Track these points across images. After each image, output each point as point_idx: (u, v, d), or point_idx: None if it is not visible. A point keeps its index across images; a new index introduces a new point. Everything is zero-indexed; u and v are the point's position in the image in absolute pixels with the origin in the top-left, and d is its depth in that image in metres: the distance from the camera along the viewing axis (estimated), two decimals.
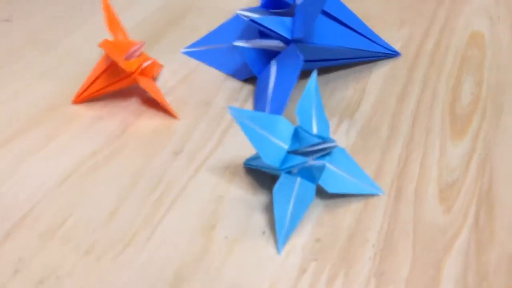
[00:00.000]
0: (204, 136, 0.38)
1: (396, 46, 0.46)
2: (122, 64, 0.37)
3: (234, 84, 0.43)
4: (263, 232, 0.30)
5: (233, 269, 0.29)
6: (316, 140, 0.30)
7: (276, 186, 0.29)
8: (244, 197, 0.33)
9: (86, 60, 0.44)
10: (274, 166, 0.29)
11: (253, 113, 0.29)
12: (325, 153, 0.31)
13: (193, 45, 0.47)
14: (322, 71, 0.43)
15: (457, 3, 0.53)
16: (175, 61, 0.46)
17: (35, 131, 0.39)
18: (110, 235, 0.31)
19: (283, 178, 0.29)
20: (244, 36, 0.42)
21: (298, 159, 0.30)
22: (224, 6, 0.54)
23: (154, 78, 0.43)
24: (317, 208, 0.32)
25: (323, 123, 0.32)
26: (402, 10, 0.51)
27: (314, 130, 0.31)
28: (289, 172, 0.30)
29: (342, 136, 0.37)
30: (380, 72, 0.43)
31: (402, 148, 0.36)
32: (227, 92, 0.42)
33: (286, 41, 0.38)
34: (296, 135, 0.30)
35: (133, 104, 0.41)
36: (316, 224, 0.31)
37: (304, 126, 0.30)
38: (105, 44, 0.37)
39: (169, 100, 0.41)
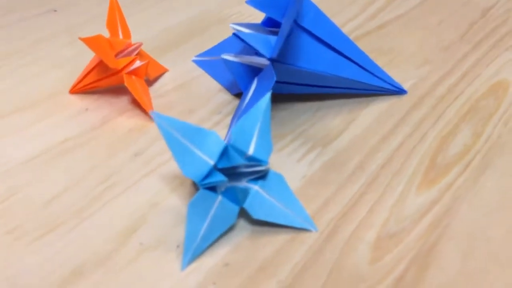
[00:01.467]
0: None
1: (407, 84, 0.43)
2: (108, 61, 0.39)
3: (225, 97, 0.43)
4: (178, 246, 0.30)
5: (131, 276, 0.28)
6: (243, 161, 0.29)
7: (192, 201, 0.28)
8: (178, 208, 0.32)
9: None
10: (193, 179, 0.29)
11: (180, 123, 0.29)
12: (257, 176, 0.30)
13: (202, 54, 0.48)
14: (318, 97, 0.42)
15: (498, 48, 0.49)
16: (182, 68, 0.47)
17: (28, 112, 0.41)
18: (39, 219, 0.32)
19: (200, 194, 0.29)
20: (243, 51, 0.42)
21: (217, 177, 0.29)
22: (251, 20, 0.54)
23: (151, 80, 0.44)
24: (240, 232, 0.30)
25: (264, 146, 0.30)
26: (433, 49, 0.48)
27: (251, 151, 0.30)
28: (212, 189, 0.29)
29: (304, 165, 0.35)
30: (377, 107, 0.41)
31: (360, 187, 0.33)
32: (214, 104, 0.42)
33: (269, 60, 0.37)
34: (226, 153, 0.29)
35: (122, 101, 0.42)
36: (232, 248, 0.30)
37: (237, 145, 0.29)
38: (91, 39, 0.38)
39: (156, 103, 0.42)
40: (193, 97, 0.43)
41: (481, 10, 0.56)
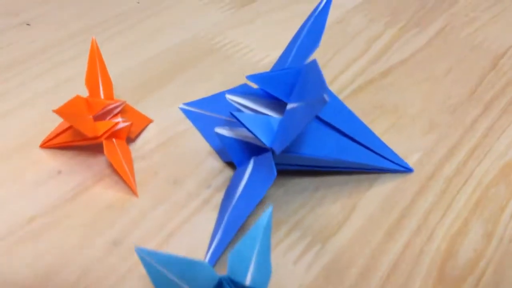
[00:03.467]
0: (153, 228, 0.34)
1: (413, 158, 0.40)
2: (85, 130, 0.34)
3: (214, 164, 0.39)
4: None
5: None
6: None
7: None
8: None
9: None
10: None
11: (167, 256, 0.25)
12: None
13: (192, 104, 0.43)
14: (317, 173, 0.38)
15: (509, 113, 0.45)
16: (167, 117, 0.43)
17: None
18: None
19: None
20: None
21: None
22: (248, 52, 0.49)
23: (133, 137, 0.40)
24: None
25: (263, 271, 0.27)
26: (440, 109, 0.45)
27: (248, 281, 0.26)
28: None
29: (302, 270, 0.32)
30: (380, 190, 0.38)
31: None
32: (203, 173, 0.38)
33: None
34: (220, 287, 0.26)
35: (99, 163, 0.38)
36: None
37: (233, 276, 0.26)
38: (67, 107, 0.33)
39: (138, 168, 0.37)
40: (179, 160, 0.39)
41: (492, 58, 0.52)
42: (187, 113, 0.43)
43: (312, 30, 0.35)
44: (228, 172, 0.38)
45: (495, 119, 0.45)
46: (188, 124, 0.42)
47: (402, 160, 0.39)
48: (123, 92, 0.44)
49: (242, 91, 0.36)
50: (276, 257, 0.33)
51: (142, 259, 0.25)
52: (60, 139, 0.37)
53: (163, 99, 0.44)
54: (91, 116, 0.35)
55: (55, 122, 0.38)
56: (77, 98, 0.35)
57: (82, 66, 0.42)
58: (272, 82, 0.33)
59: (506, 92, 0.48)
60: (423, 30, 0.56)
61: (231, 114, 0.33)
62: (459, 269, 0.33)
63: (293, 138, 0.28)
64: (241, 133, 0.35)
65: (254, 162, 0.34)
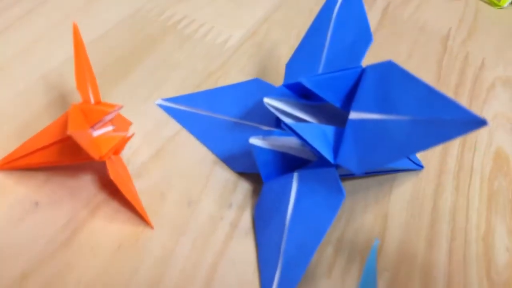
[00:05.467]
0: (186, 270, 0.27)
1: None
2: (89, 148, 0.25)
3: (224, 175, 0.33)
4: None
5: None
6: None
7: None
8: None
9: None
10: None
11: None
12: None
13: (173, 100, 0.36)
14: None
15: (476, 99, 0.46)
16: (147, 116, 0.35)
17: None
18: None
19: None
20: (252, 116, 0.32)
21: None
22: (209, 29, 0.43)
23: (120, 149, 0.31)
24: None
25: None
26: None
27: None
28: None
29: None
30: (402, 193, 0.35)
31: None
32: (217, 188, 0.32)
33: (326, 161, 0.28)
34: None
35: (84, 187, 0.29)
36: None
37: None
38: (73, 124, 0.24)
39: (139, 188, 0.30)
40: (183, 175, 0.32)
41: (440, 40, 0.52)
42: (168, 110, 0.35)
43: (346, 23, 0.30)
44: (245, 185, 0.32)
45: (468, 106, 0.45)
46: (174, 124, 0.35)
47: (415, 157, 0.37)
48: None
49: (273, 92, 0.30)
50: (336, 285, 0.29)
51: None
52: (33, 158, 0.27)
53: (131, 93, 0.36)
54: (90, 130, 0.27)
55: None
56: (75, 108, 0.26)
57: None
58: (331, 88, 0.28)
59: (465, 76, 0.49)
60: (369, 11, 0.54)
61: (285, 125, 0.27)
62: (502, 273, 0.32)
63: (395, 161, 0.24)
64: (277, 144, 0.30)
65: (300, 178, 0.29)
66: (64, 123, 0.27)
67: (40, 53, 0.37)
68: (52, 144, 0.27)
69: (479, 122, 0.20)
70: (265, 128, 0.32)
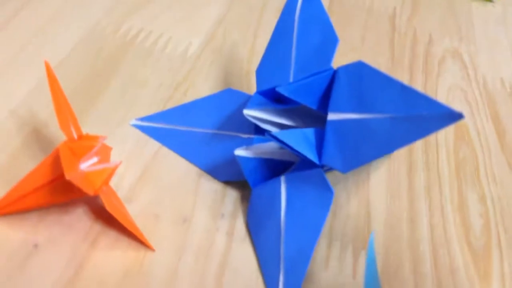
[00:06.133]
0: (195, 285, 0.28)
1: None
2: (83, 185, 0.26)
3: (211, 186, 0.34)
4: None
5: None
6: None
7: None
8: None
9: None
10: None
11: None
12: None
13: (147, 118, 0.36)
14: None
15: (430, 75, 0.48)
16: (125, 138, 0.35)
17: None
18: None
19: None
20: (229, 126, 0.33)
21: None
22: (166, 41, 0.43)
23: None
24: None
25: None
26: None
27: None
28: None
29: (363, 282, 0.30)
30: (378, 176, 0.37)
31: None
32: (206, 200, 0.33)
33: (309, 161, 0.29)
34: None
35: (78, 220, 0.30)
36: None
37: None
38: (68, 166, 0.25)
39: (132, 212, 0.30)
40: (172, 193, 0.33)
41: (388, 20, 0.54)
42: (145, 130, 0.36)
43: (310, 25, 0.32)
44: (232, 193, 0.34)
45: (423, 82, 0.47)
46: (153, 143, 0.35)
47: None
48: (46, 112, 0.35)
49: (248, 100, 0.31)
50: (335, 276, 0.30)
51: None
52: (27, 202, 0.28)
53: (104, 117, 0.36)
54: (80, 166, 0.27)
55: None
56: (64, 148, 0.26)
57: None
58: (307, 92, 0.29)
59: (416, 52, 0.51)
60: None
61: (269, 135, 0.28)
62: (480, 238, 0.35)
63: (378, 157, 0.26)
64: (260, 151, 0.31)
65: (288, 182, 0.30)
66: (53, 163, 0.27)
67: (2, 87, 0.37)
68: (43, 185, 0.27)
69: (456, 116, 0.22)
70: (244, 136, 0.33)
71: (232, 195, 0.33)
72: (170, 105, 0.38)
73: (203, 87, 0.41)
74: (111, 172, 0.28)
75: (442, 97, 0.46)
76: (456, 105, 0.46)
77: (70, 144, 0.27)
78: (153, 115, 0.36)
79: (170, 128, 0.35)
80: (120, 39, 0.43)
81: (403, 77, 0.47)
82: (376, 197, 0.36)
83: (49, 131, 0.34)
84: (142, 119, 0.36)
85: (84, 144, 0.27)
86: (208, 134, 0.34)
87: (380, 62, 0.48)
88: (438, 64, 0.50)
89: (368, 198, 0.36)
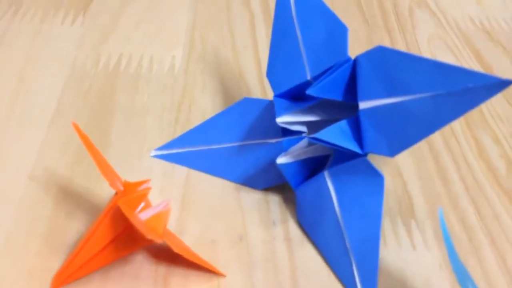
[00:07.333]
0: None
1: None
2: (152, 236, 0.26)
3: (253, 196, 0.34)
4: None
5: None
6: None
7: None
8: None
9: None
10: None
11: None
12: None
13: (168, 146, 0.36)
14: None
15: (408, 32, 0.49)
16: (151, 171, 0.35)
17: None
18: None
19: None
20: (255, 134, 0.33)
21: None
22: (160, 71, 0.42)
23: None
24: None
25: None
26: (362, 46, 0.46)
27: None
28: None
29: (425, 251, 0.32)
30: None
31: (489, 247, 0.32)
32: (253, 211, 0.33)
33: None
34: None
35: (142, 265, 0.29)
36: None
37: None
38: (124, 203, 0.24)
39: (189, 244, 0.30)
40: (218, 214, 0.33)
41: None
42: (168, 158, 0.35)
43: (311, 19, 0.32)
44: (274, 198, 0.34)
45: (404, 39, 0.49)
46: (180, 169, 0.35)
47: None
48: (67, 165, 0.34)
49: (271, 106, 0.31)
50: (396, 252, 0.32)
51: None
52: (90, 268, 0.27)
53: (121, 155, 0.35)
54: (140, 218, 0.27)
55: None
56: (122, 203, 0.26)
57: None
58: (333, 87, 0.29)
59: (386, 10, 0.52)
60: None
61: (311, 138, 0.29)
62: (508, 178, 0.37)
63: (426, 136, 0.26)
64: (297, 153, 0.31)
65: (332, 176, 0.31)
66: (112, 221, 0.27)
67: (10, 154, 0.35)
68: (107, 245, 0.27)
69: (506, 83, 0.23)
70: (272, 141, 0.33)
71: (275, 200, 0.34)
72: (180, 126, 0.38)
73: (204, 98, 0.41)
74: (168, 214, 0.27)
75: (425, 50, 0.47)
76: (441, 55, 0.47)
77: (125, 199, 0.26)
78: (172, 141, 0.36)
79: (194, 150, 0.35)
80: (103, 70, 0.42)
81: (383, 39, 0.48)
82: (405, 166, 0.37)
83: (74, 184, 0.33)
84: (162, 148, 0.36)
85: (136, 196, 0.27)
86: (235, 147, 0.34)
87: (356, 27, 0.49)
88: (409, 17, 0.51)
89: (398, 167, 0.37)
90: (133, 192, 0.27)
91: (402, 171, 0.36)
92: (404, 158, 0.37)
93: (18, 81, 0.40)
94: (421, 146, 0.38)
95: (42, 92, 0.40)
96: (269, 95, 0.39)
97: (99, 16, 0.48)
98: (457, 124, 0.40)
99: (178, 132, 0.37)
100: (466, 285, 0.25)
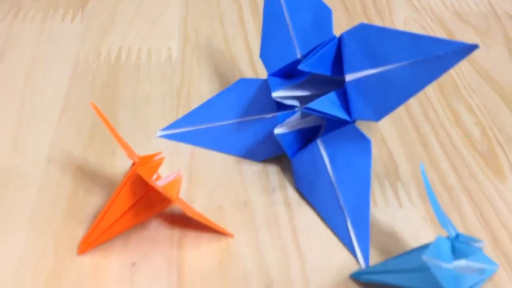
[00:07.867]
0: (284, 255, 0.32)
1: None
2: (166, 192, 0.29)
3: (253, 168, 0.37)
4: None
5: None
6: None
7: None
8: None
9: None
10: None
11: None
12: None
13: (173, 126, 0.39)
14: None
15: (390, 17, 0.53)
16: (157, 150, 0.38)
17: None
18: None
19: None
20: (252, 111, 0.37)
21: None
22: (157, 61, 0.45)
23: None
24: None
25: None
26: None
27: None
28: None
29: (410, 208, 0.35)
30: None
31: (468, 203, 0.36)
32: (254, 181, 0.36)
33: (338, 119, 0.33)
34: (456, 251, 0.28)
35: (158, 230, 0.33)
36: None
37: (461, 238, 0.28)
38: (142, 171, 0.28)
39: (197, 209, 0.34)
40: (223, 184, 0.36)
41: None
42: (173, 137, 0.39)
43: (298, 5, 0.35)
44: (272, 169, 0.37)
45: (382, 24, 0.52)
46: (185, 147, 0.38)
47: None
48: (81, 147, 0.37)
49: (265, 83, 0.35)
50: (384, 209, 0.35)
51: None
52: (113, 232, 0.30)
53: (130, 139, 0.38)
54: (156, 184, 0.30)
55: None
56: (141, 171, 0.29)
57: None
58: (321, 63, 0.33)
59: None
60: None
61: (305, 108, 0.32)
62: (483, 142, 0.40)
63: (407, 100, 0.30)
64: (293, 124, 0.35)
65: (325, 143, 0.34)
66: (132, 187, 0.30)
67: (26, 141, 0.38)
68: (127, 210, 0.30)
69: (472, 47, 0.26)
70: (269, 115, 0.37)
71: (273, 170, 0.37)
72: (181, 110, 0.41)
73: (201, 84, 0.44)
74: (181, 180, 0.31)
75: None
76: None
77: (142, 168, 0.30)
78: (176, 122, 0.39)
79: (197, 129, 0.38)
80: (105, 63, 0.45)
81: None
82: (389, 135, 0.40)
83: (89, 164, 0.36)
84: (167, 128, 0.39)
85: (152, 164, 0.30)
86: (234, 124, 0.38)
87: (338, 16, 0.53)
88: (386, 3, 0.55)
89: (384, 138, 0.40)
90: (149, 163, 0.30)
91: (387, 140, 0.40)
92: (388, 128, 0.41)
93: (26, 78, 0.43)
94: (403, 116, 0.42)
95: (50, 86, 0.43)
96: (261, 77, 0.42)
97: (97, 12, 0.51)
98: (434, 96, 0.44)
99: (180, 116, 0.40)
100: (447, 228, 0.28)
